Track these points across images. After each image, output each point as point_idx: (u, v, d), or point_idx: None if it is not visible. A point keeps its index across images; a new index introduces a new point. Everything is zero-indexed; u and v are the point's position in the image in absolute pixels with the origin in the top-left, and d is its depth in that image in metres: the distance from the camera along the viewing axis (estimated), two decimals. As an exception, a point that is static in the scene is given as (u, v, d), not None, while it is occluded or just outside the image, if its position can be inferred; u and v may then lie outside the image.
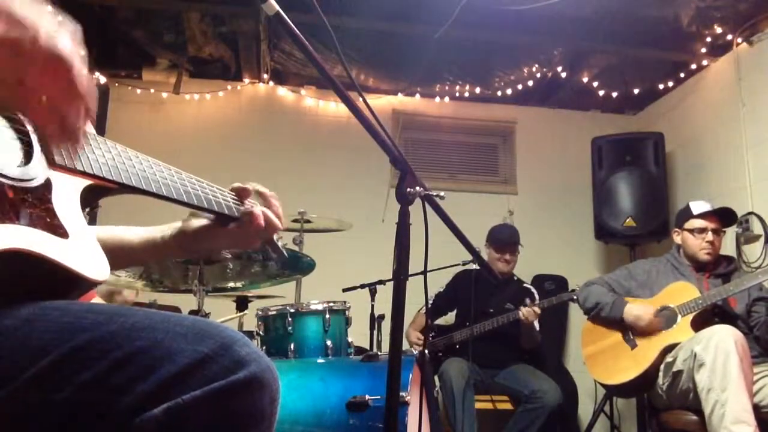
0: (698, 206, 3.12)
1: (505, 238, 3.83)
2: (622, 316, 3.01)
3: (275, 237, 1.16)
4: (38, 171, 0.79)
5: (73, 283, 0.79)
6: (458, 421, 3.23)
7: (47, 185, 0.79)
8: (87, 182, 0.85)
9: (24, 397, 0.68)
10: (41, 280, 0.77)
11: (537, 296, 3.87)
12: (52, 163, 0.81)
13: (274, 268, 2.39)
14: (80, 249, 0.79)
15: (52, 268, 0.75)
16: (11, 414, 0.69)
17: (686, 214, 3.14)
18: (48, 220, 0.77)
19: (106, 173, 0.87)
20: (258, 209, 1.09)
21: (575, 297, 3.46)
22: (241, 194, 1.11)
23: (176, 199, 0.98)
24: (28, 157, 0.79)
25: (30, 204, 0.76)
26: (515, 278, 3.97)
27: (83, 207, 0.84)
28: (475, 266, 3.68)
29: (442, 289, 3.94)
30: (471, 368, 3.46)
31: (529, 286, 3.96)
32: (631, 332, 3.03)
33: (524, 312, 3.48)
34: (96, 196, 0.90)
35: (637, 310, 2.98)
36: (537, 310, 3.49)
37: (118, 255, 1.01)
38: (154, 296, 3.29)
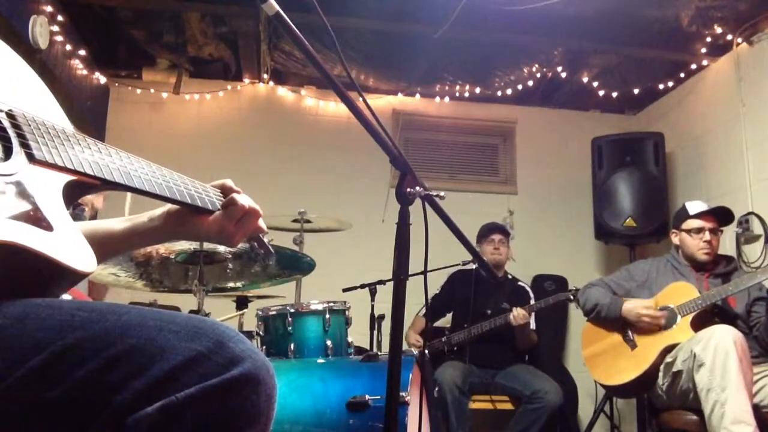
0: (695, 206, 3.12)
1: (489, 226, 3.91)
2: (619, 315, 3.01)
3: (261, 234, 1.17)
4: (19, 166, 0.79)
5: (59, 275, 0.79)
6: (452, 429, 3.24)
7: (29, 180, 0.79)
8: (69, 178, 0.85)
9: (16, 396, 0.68)
10: (27, 272, 0.76)
11: (531, 294, 3.89)
12: (32, 159, 0.81)
13: (274, 268, 2.40)
14: (65, 241, 0.78)
15: (38, 260, 0.75)
16: (4, 413, 0.68)
17: (683, 214, 3.14)
18: (31, 213, 0.77)
19: (87, 169, 0.86)
20: (239, 197, 1.09)
21: (571, 297, 3.46)
22: (225, 191, 1.11)
23: (158, 195, 0.98)
24: (7, 153, 0.79)
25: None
26: (509, 277, 3.98)
27: (66, 204, 0.83)
28: (469, 267, 3.67)
29: (437, 291, 3.93)
30: (468, 370, 3.45)
31: (523, 284, 3.97)
32: (631, 332, 3.03)
33: (514, 315, 3.49)
34: (78, 192, 0.90)
35: (636, 310, 2.98)
36: (525, 313, 3.49)
37: (101, 245, 1.00)
38: (154, 296, 3.28)
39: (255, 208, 1.11)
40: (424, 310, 3.85)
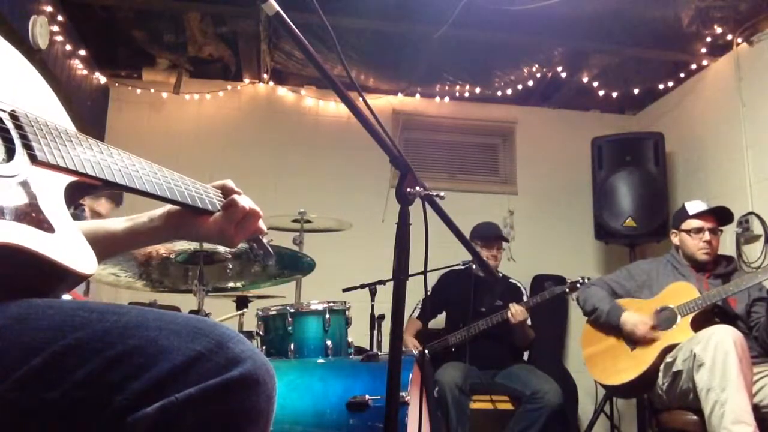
0: (694, 206, 3.12)
1: (491, 234, 3.86)
2: (617, 324, 3.01)
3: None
4: (21, 168, 0.79)
5: (60, 277, 0.79)
6: (452, 429, 3.24)
7: (31, 181, 0.79)
8: (70, 179, 0.85)
9: (16, 397, 0.68)
10: (29, 275, 0.77)
11: (524, 291, 3.90)
12: (34, 161, 0.81)
13: (274, 268, 2.40)
14: (67, 243, 0.79)
15: (39, 262, 0.75)
16: (4, 413, 0.68)
17: (682, 214, 3.14)
18: (33, 215, 0.77)
19: (89, 169, 0.87)
20: (239, 198, 1.10)
21: (567, 290, 3.45)
22: (225, 191, 1.11)
23: (159, 195, 0.98)
24: (10, 154, 0.79)
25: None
26: (501, 275, 3.98)
27: (68, 205, 0.83)
28: (460, 267, 3.66)
29: (428, 292, 3.91)
30: (468, 371, 3.45)
31: (515, 281, 3.97)
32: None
33: (512, 312, 3.49)
34: (80, 193, 0.90)
35: (633, 320, 2.97)
36: (523, 309, 3.49)
37: (102, 245, 1.01)
38: (154, 296, 3.29)
39: (255, 209, 1.11)
40: (416, 312, 3.86)
